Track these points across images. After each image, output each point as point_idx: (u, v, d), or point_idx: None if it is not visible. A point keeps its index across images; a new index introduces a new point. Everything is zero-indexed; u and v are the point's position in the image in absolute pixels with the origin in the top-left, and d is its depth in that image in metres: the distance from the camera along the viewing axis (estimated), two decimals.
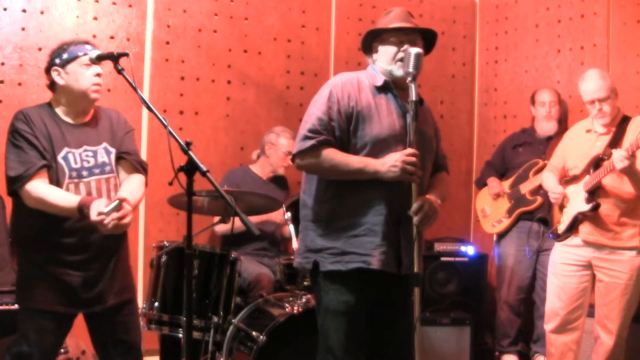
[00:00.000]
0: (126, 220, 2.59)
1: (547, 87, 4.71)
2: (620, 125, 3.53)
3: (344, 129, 2.63)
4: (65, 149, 2.69)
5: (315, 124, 2.62)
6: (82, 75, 2.70)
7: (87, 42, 2.76)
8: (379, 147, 2.60)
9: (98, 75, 2.73)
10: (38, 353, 2.64)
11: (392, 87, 2.70)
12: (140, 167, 2.86)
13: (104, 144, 2.79)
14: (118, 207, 2.56)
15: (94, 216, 2.53)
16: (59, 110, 2.75)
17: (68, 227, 2.66)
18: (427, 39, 2.78)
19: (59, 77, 2.71)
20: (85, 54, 2.68)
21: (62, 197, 2.61)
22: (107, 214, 2.53)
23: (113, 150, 2.80)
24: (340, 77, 2.74)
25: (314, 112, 2.65)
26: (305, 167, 2.69)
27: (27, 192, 2.59)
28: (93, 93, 2.73)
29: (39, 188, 2.59)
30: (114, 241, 2.79)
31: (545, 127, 4.56)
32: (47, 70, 2.75)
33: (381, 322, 2.73)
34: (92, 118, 2.81)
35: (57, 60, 2.71)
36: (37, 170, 2.60)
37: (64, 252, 2.67)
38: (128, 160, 2.83)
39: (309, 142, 2.60)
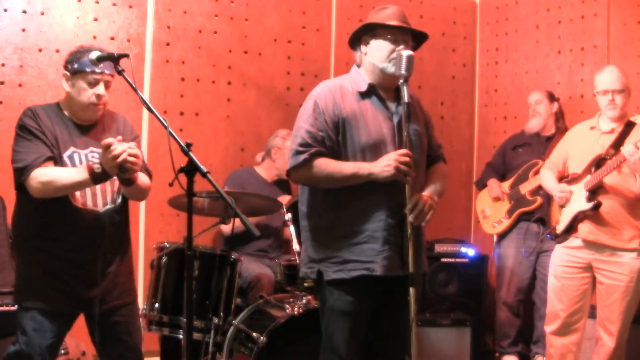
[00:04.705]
0: (134, 154, 2.53)
1: (547, 88, 4.72)
2: (626, 127, 3.52)
3: (333, 138, 2.64)
4: (72, 149, 2.69)
5: (304, 137, 2.62)
6: (83, 92, 2.69)
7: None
8: (369, 154, 2.61)
9: (98, 96, 2.70)
10: (38, 353, 2.63)
11: (377, 90, 2.69)
12: (145, 172, 2.85)
13: None
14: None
15: (105, 146, 2.49)
16: (67, 112, 2.75)
17: (71, 225, 2.66)
18: (416, 39, 2.79)
19: (66, 84, 2.73)
20: (92, 72, 2.66)
21: (70, 170, 2.60)
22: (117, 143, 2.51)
23: None
24: (323, 87, 2.73)
25: (302, 125, 2.66)
26: (301, 180, 2.71)
27: (34, 179, 2.56)
28: (92, 109, 2.72)
29: (45, 171, 2.57)
30: (118, 242, 2.80)
31: (530, 124, 4.60)
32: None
33: (382, 321, 2.73)
34: (100, 121, 2.81)
35: (69, 67, 2.71)
36: (44, 161, 2.60)
37: (66, 250, 2.67)
38: None
39: (302, 157, 2.61)
